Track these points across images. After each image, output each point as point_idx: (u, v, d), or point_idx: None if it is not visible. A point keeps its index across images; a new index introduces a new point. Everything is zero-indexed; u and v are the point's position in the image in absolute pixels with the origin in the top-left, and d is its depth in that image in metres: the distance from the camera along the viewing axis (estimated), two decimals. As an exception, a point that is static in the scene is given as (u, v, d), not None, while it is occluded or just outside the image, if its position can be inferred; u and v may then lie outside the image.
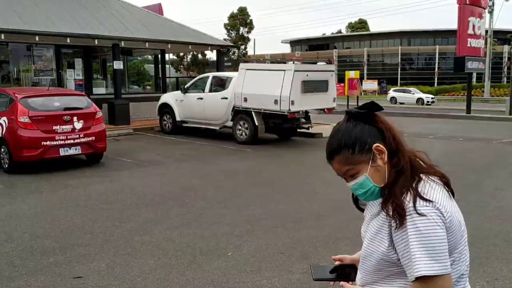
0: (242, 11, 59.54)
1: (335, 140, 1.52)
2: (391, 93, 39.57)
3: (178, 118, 14.34)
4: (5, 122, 8.71)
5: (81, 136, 9.07)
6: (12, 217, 6.09)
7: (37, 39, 13.67)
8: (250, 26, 60.33)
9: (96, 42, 14.87)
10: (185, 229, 5.64)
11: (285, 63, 12.86)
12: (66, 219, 6.04)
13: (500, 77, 59.33)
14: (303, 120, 12.79)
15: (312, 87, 12.01)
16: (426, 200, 1.38)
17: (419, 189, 1.41)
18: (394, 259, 1.44)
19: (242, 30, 60.35)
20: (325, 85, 12.44)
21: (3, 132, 8.72)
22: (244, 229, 5.63)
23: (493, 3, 37.70)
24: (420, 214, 1.36)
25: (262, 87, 11.95)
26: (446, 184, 1.49)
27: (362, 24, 79.75)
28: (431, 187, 1.43)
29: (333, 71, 12.89)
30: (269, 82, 11.85)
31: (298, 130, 13.31)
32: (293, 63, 11.87)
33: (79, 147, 9.06)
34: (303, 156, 10.95)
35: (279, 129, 13.06)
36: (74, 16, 15.25)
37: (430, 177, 1.48)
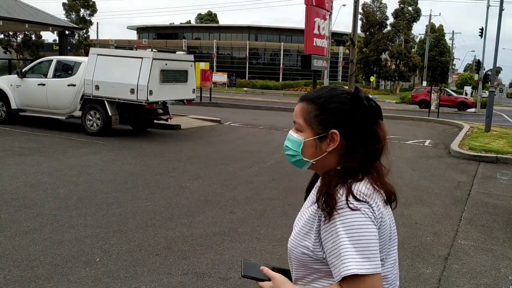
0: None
1: (321, 93, 1.43)
2: None
3: (14, 106, 12.75)
4: None
5: None
6: None
7: None
8: (92, 8, 56.57)
9: None
10: (39, 234, 4.96)
11: (131, 49, 12.34)
12: None
13: (336, 75, 65.68)
14: (161, 111, 12.37)
15: (171, 77, 11.68)
16: (358, 198, 1.30)
17: (355, 187, 1.33)
18: (319, 256, 1.34)
19: (84, 12, 56.32)
20: (184, 75, 12.20)
21: None
22: (111, 230, 5.17)
23: (331, 7, 41.39)
24: (352, 209, 1.28)
25: (117, 74, 11.25)
26: (389, 196, 1.41)
27: (211, 16, 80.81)
28: (367, 188, 1.34)
29: (193, 61, 12.72)
30: (125, 70, 11.20)
31: (156, 121, 12.85)
32: (152, 50, 11.40)
33: None
34: (163, 149, 10.58)
35: (134, 120, 12.46)
36: None
37: (374, 184, 1.38)
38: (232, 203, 6.47)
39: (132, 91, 11.08)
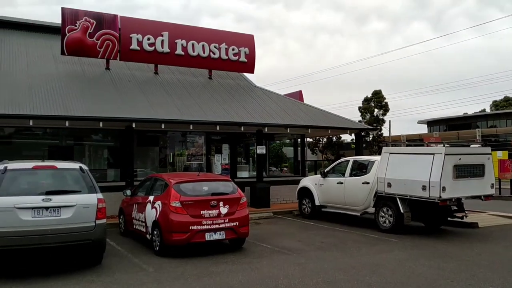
0: (377, 94, 58.78)
1: None
2: None
3: (317, 203, 13.82)
4: (159, 206, 9.05)
5: (226, 221, 8.99)
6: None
7: (191, 127, 14.63)
8: (385, 108, 59.11)
9: (242, 129, 15.42)
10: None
11: (422, 145, 11.92)
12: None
13: None
14: (455, 208, 11.29)
15: (465, 172, 10.65)
16: None
17: None
18: None
19: (377, 112, 59.30)
20: (480, 169, 10.97)
21: (157, 215, 9.02)
22: None
23: None
24: None
25: (408, 171, 10.97)
26: None
27: (508, 102, 73.22)
28: None
29: (490, 154, 11.37)
30: (416, 167, 10.83)
31: (449, 218, 11.77)
32: (444, 146, 10.76)
33: (223, 232, 8.96)
34: (459, 250, 9.42)
35: (427, 217, 11.72)
36: (224, 106, 16.17)
37: None
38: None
39: (423, 188, 10.54)
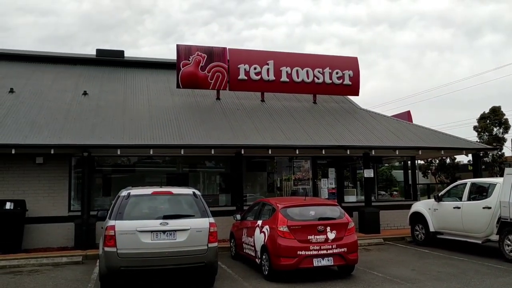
0: (495, 111, 53.77)
1: None
2: None
3: (431, 229, 12.83)
4: (268, 230, 9.07)
5: (333, 246, 8.72)
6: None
7: (297, 152, 14.63)
8: (505, 125, 53.77)
9: (348, 152, 15.03)
10: None
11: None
12: None
13: None
14: None
15: None
16: None
17: None
18: None
19: (496, 130, 54.13)
20: None
21: (265, 240, 9.05)
22: None
23: None
24: None
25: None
26: None
27: None
28: None
29: None
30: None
31: None
32: None
33: (331, 258, 8.68)
34: None
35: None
36: (329, 129, 15.97)
37: None
38: None
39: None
